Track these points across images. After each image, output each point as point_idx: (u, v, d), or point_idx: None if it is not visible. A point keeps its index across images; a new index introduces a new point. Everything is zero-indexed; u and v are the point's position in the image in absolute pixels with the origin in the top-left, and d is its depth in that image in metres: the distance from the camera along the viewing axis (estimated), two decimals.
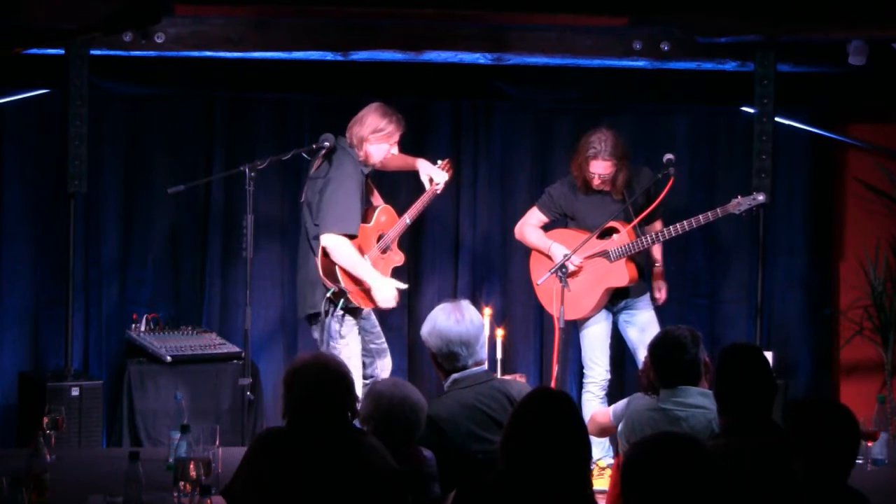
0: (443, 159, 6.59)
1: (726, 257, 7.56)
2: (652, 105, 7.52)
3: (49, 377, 6.64)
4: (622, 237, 6.42)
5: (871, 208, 7.51)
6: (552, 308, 6.42)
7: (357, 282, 6.15)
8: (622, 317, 6.59)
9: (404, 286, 6.32)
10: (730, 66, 7.04)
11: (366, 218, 6.27)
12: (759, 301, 7.06)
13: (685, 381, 4.50)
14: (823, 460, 3.39)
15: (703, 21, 6.64)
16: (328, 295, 6.14)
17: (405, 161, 6.52)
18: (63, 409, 4.97)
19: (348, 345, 6.17)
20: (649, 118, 7.54)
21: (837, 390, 7.57)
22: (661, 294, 6.68)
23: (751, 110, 6.97)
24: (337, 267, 6.09)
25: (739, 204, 6.35)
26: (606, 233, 6.45)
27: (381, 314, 6.55)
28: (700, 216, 6.36)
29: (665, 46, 6.94)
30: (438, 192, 6.48)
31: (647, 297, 6.61)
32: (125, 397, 6.60)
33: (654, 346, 4.63)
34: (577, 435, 3.33)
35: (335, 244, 6.06)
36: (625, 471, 2.98)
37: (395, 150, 6.27)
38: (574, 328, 6.59)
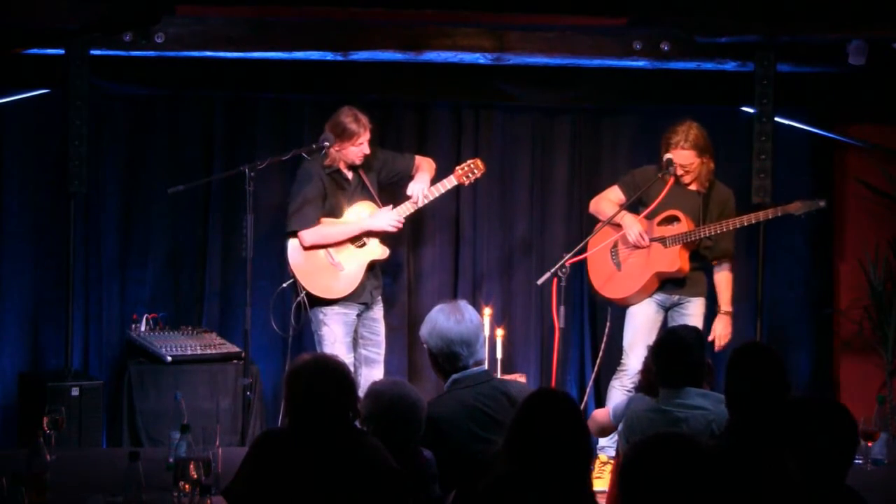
0: (471, 159, 6.74)
1: None
2: (652, 105, 7.52)
3: (49, 377, 6.63)
4: (681, 226, 6.46)
5: (871, 208, 7.51)
6: (597, 283, 6.60)
7: (307, 273, 6.38)
8: (673, 314, 6.57)
9: (392, 215, 6.48)
10: (730, 66, 7.04)
11: (339, 212, 6.45)
12: (758, 301, 7.06)
13: (687, 382, 4.51)
14: (820, 460, 3.39)
15: (703, 21, 6.64)
16: (283, 285, 6.51)
17: (418, 169, 6.65)
18: (63, 409, 4.94)
19: (326, 333, 6.38)
20: (649, 118, 7.53)
21: (837, 390, 7.57)
22: (718, 340, 6.52)
23: (751, 110, 6.97)
24: (288, 263, 6.44)
25: (799, 207, 6.43)
26: (669, 220, 6.50)
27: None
28: (760, 213, 6.45)
29: (665, 46, 6.95)
30: (416, 205, 6.55)
31: (702, 301, 6.58)
32: (125, 397, 6.59)
33: (658, 347, 4.62)
34: (579, 435, 3.33)
35: (302, 236, 6.41)
36: (623, 471, 2.97)
37: (365, 149, 6.41)
38: (614, 311, 6.67)
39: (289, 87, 7.24)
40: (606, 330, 6.74)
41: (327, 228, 6.43)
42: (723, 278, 6.65)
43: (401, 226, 6.52)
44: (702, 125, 6.57)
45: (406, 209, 6.54)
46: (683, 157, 6.42)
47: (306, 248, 6.41)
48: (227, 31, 6.77)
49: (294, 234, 6.43)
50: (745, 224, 6.45)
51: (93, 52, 6.62)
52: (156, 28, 6.57)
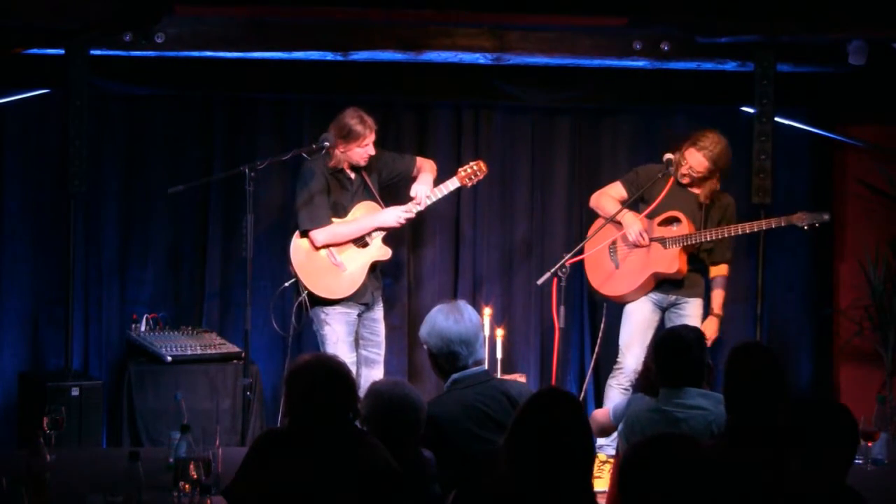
0: (474, 161, 6.76)
1: None
2: (652, 105, 7.52)
3: (49, 377, 6.64)
4: (682, 227, 6.47)
5: (871, 208, 7.51)
6: (594, 280, 6.62)
7: (309, 273, 6.36)
8: (670, 314, 6.60)
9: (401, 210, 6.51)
10: (730, 66, 7.05)
11: (342, 212, 6.45)
12: (758, 301, 7.07)
13: (687, 382, 4.50)
14: (822, 460, 3.39)
15: (703, 21, 6.64)
16: (285, 285, 6.51)
17: (420, 171, 6.65)
18: (63, 409, 4.94)
19: (328, 333, 6.38)
20: (649, 118, 7.54)
21: (837, 390, 7.57)
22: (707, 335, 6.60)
23: (751, 110, 6.97)
24: (290, 263, 6.42)
25: (803, 218, 6.45)
26: (669, 221, 6.52)
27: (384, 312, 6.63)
28: (763, 221, 6.49)
29: (665, 46, 6.95)
30: (420, 206, 6.54)
31: (699, 302, 6.62)
32: (125, 397, 6.59)
33: (659, 346, 4.62)
34: (582, 436, 3.32)
35: (315, 236, 6.39)
36: (622, 471, 2.97)
37: (370, 150, 6.40)
38: (610, 309, 6.68)
39: (289, 87, 7.24)
40: (602, 326, 6.76)
41: (339, 227, 6.42)
42: (719, 282, 6.67)
43: (405, 222, 6.51)
44: (700, 124, 6.60)
45: (410, 209, 6.53)
46: (698, 161, 6.43)
47: (318, 248, 6.40)
48: (227, 31, 6.77)
49: (304, 234, 6.43)
50: (748, 231, 6.49)
51: (93, 52, 6.62)
52: (156, 28, 6.57)
